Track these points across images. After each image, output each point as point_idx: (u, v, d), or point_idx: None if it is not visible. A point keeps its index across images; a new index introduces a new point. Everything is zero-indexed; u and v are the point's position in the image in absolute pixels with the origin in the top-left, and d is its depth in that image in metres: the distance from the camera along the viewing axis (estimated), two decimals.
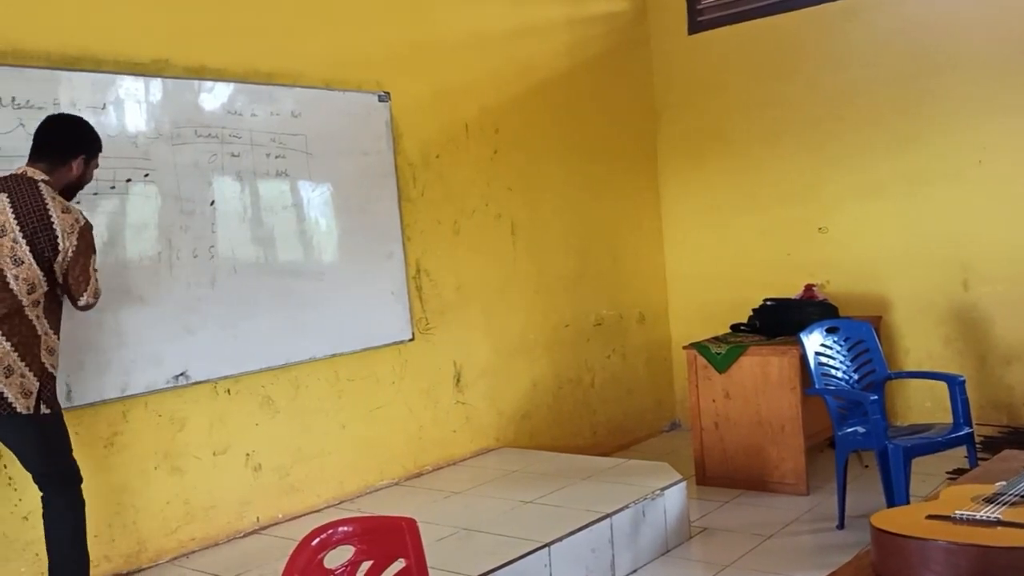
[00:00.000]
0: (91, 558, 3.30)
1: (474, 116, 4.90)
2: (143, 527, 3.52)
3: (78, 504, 2.96)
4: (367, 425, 4.32)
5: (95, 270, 2.94)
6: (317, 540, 1.80)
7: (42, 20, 3.30)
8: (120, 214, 3.45)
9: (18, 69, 3.20)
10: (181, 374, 3.60)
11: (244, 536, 3.81)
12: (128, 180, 3.48)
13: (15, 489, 3.16)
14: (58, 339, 2.93)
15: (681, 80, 6.08)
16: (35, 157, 2.94)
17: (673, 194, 6.20)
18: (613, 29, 5.89)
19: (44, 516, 2.92)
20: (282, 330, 3.94)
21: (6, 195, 2.83)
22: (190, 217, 3.65)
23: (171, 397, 3.61)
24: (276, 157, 3.94)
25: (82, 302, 2.93)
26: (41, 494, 2.93)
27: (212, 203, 3.72)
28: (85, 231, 2.89)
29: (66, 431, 2.97)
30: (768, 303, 5.05)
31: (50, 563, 2.93)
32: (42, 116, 3.21)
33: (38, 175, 2.89)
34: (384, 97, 4.39)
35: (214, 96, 3.75)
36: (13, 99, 3.17)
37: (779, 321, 4.85)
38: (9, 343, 2.76)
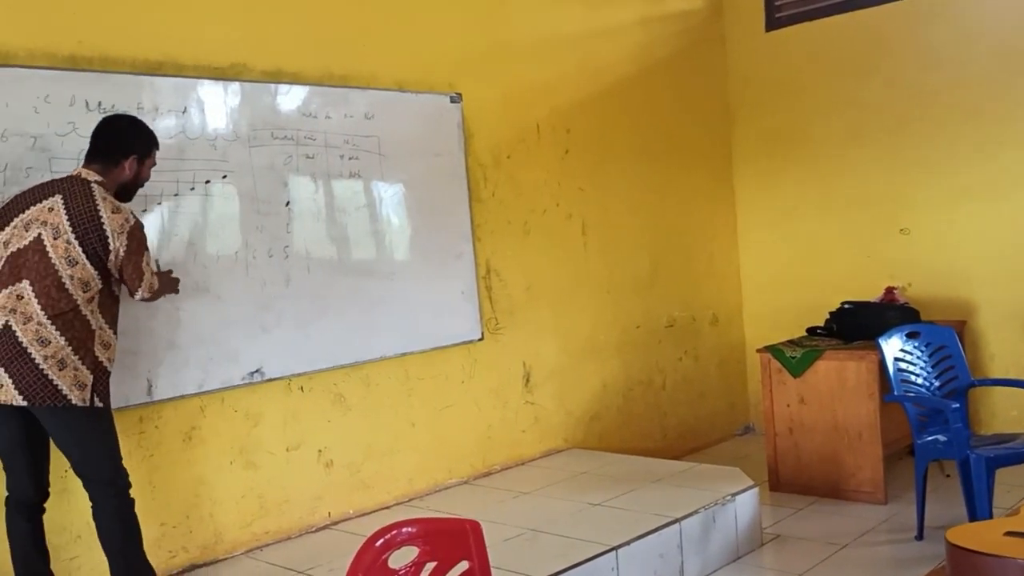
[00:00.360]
0: (169, 548, 3.43)
1: (545, 116, 4.89)
2: (219, 520, 3.61)
3: (127, 511, 2.97)
4: (436, 424, 4.36)
5: (148, 266, 2.99)
6: (381, 541, 1.83)
7: (128, 28, 3.41)
8: (199, 214, 3.55)
9: (104, 74, 3.31)
10: (256, 371, 3.68)
11: (316, 531, 3.87)
12: (207, 181, 3.57)
13: None
14: (114, 334, 2.99)
15: (757, 79, 5.97)
16: (90, 158, 3.01)
17: (749, 194, 6.10)
18: (687, 28, 5.82)
19: (95, 520, 2.94)
20: (354, 329, 4.00)
21: (60, 197, 2.88)
22: (266, 217, 3.72)
23: (246, 393, 3.69)
24: (349, 158, 4.00)
25: (138, 296, 2.99)
26: (91, 502, 2.95)
27: (287, 204, 3.80)
28: (135, 230, 2.93)
29: (116, 433, 3.00)
30: (846, 306, 4.93)
31: (111, 569, 2.97)
32: None
33: (91, 176, 2.95)
34: (456, 98, 4.42)
35: (290, 99, 3.83)
36: (99, 103, 3.28)
37: (857, 325, 4.73)
38: (64, 338, 2.81)
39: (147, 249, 3.00)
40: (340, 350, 3.96)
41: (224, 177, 3.62)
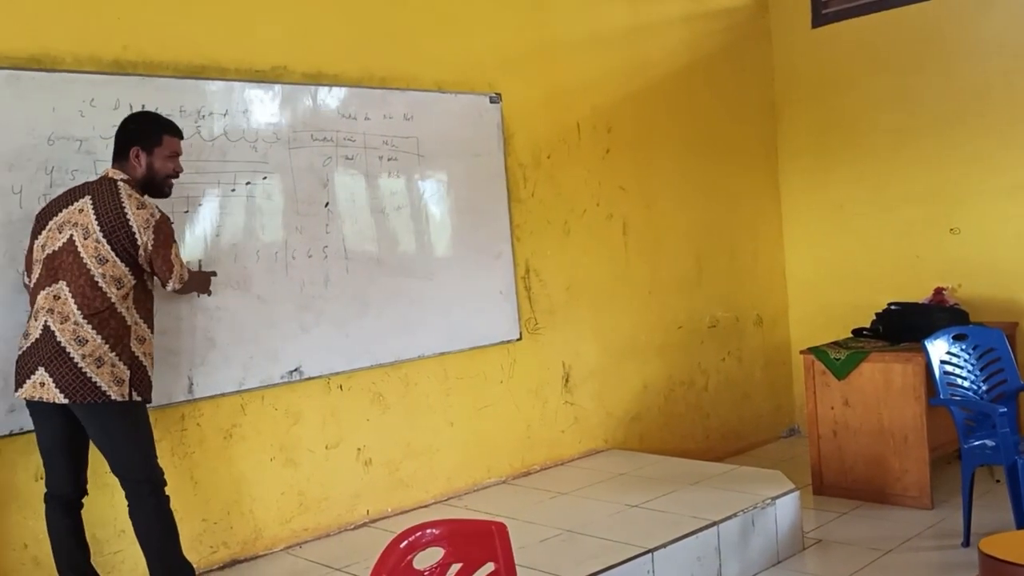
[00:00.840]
0: (211, 544, 3.49)
1: (586, 116, 4.87)
2: (259, 516, 3.66)
3: (164, 508, 3.00)
4: (475, 423, 4.37)
5: (176, 257, 3.03)
6: (406, 542, 1.84)
7: (171, 33, 3.47)
8: (240, 215, 3.60)
9: (148, 78, 3.38)
10: (295, 369, 3.73)
11: (354, 528, 3.91)
12: (248, 183, 3.62)
13: None
14: (150, 329, 3.03)
15: (804, 75, 5.89)
16: (113, 159, 3.07)
17: (795, 193, 6.01)
18: (732, 24, 5.76)
19: (132, 518, 2.98)
20: (392, 328, 4.03)
21: (89, 198, 2.94)
22: (305, 218, 3.77)
23: (286, 392, 3.74)
24: (388, 159, 4.03)
25: (169, 287, 3.05)
26: (127, 500, 2.99)
27: (326, 204, 3.84)
28: (161, 224, 2.97)
29: (151, 431, 3.04)
30: (893, 307, 4.84)
31: (148, 567, 3.02)
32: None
33: (118, 175, 3.00)
34: (495, 99, 4.42)
35: (330, 100, 3.86)
36: (143, 106, 3.33)
37: (904, 326, 4.64)
38: (100, 336, 2.86)
39: (175, 242, 3.04)
40: (379, 349, 3.99)
41: (264, 178, 3.67)
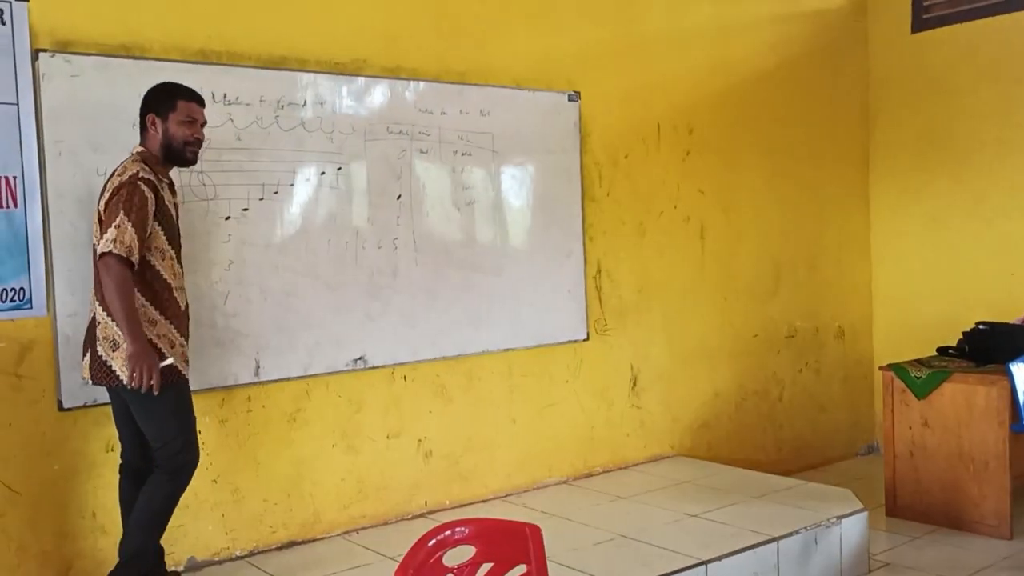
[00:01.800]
0: (270, 524, 3.57)
1: (667, 116, 4.80)
2: (319, 500, 3.73)
3: (165, 491, 2.96)
4: (538, 421, 4.36)
5: (122, 228, 2.75)
6: (434, 540, 1.85)
7: (255, 24, 3.55)
8: (313, 204, 3.67)
9: (230, 67, 3.47)
10: (360, 358, 3.78)
11: (412, 518, 3.95)
12: (323, 172, 3.69)
13: (207, 453, 3.43)
14: (159, 311, 2.90)
15: (902, 82, 5.68)
16: (140, 134, 3.04)
17: (886, 202, 5.81)
18: (825, 26, 5.59)
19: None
20: (459, 322, 4.05)
21: (107, 179, 2.93)
22: (377, 209, 3.81)
23: (350, 379, 3.79)
24: (462, 154, 4.05)
25: (99, 249, 2.79)
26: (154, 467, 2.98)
27: (399, 196, 3.88)
28: (122, 187, 2.79)
29: (181, 412, 2.98)
30: (980, 327, 4.62)
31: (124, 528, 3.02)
32: (249, 113, 3.51)
33: (135, 149, 2.98)
34: (574, 96, 4.39)
35: (407, 94, 3.90)
36: (224, 95, 3.43)
37: (991, 347, 4.43)
38: (110, 317, 2.84)
39: (130, 213, 2.76)
40: (444, 342, 4.02)
41: (339, 169, 3.73)
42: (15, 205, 3.06)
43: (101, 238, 2.80)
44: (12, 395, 3.09)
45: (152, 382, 2.79)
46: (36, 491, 3.14)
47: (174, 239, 3.00)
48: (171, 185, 3.06)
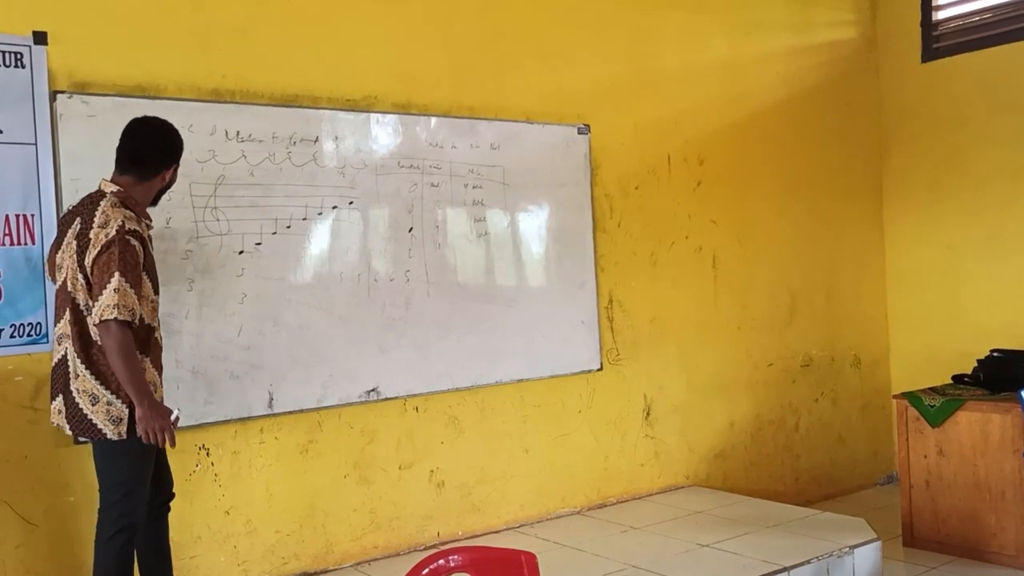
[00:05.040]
0: (282, 555, 3.60)
1: (678, 147, 4.84)
2: (331, 531, 3.76)
3: (119, 552, 2.82)
4: (551, 451, 4.37)
5: (120, 291, 2.67)
6: (427, 569, 1.87)
7: (267, 63, 3.64)
8: (325, 238, 3.73)
9: (243, 106, 3.55)
10: (373, 390, 3.82)
11: (424, 549, 3.95)
12: (335, 207, 3.75)
13: (219, 485, 3.48)
14: (145, 356, 2.82)
15: (914, 112, 5.68)
16: (121, 167, 2.91)
17: (900, 232, 5.80)
18: (837, 58, 5.62)
19: (94, 549, 2.86)
20: (471, 353, 4.08)
21: (79, 219, 2.80)
22: (388, 242, 3.87)
23: (363, 411, 3.83)
24: (473, 187, 4.10)
25: (93, 320, 2.70)
26: (96, 530, 2.88)
27: (410, 230, 3.93)
28: (113, 243, 2.68)
29: (142, 468, 2.85)
30: (995, 354, 4.59)
31: None
32: (262, 149, 3.58)
33: (109, 187, 2.84)
34: (584, 129, 4.45)
35: (418, 130, 3.97)
36: (238, 132, 3.52)
37: (1006, 376, 4.40)
38: (90, 372, 2.75)
39: (122, 271, 2.68)
40: (457, 373, 4.05)
41: (351, 203, 3.79)
42: (33, 242, 3.14)
43: (91, 295, 2.72)
44: (29, 428, 3.15)
45: (168, 437, 2.77)
46: (52, 523, 3.19)
47: (156, 283, 2.94)
48: (149, 221, 2.96)
